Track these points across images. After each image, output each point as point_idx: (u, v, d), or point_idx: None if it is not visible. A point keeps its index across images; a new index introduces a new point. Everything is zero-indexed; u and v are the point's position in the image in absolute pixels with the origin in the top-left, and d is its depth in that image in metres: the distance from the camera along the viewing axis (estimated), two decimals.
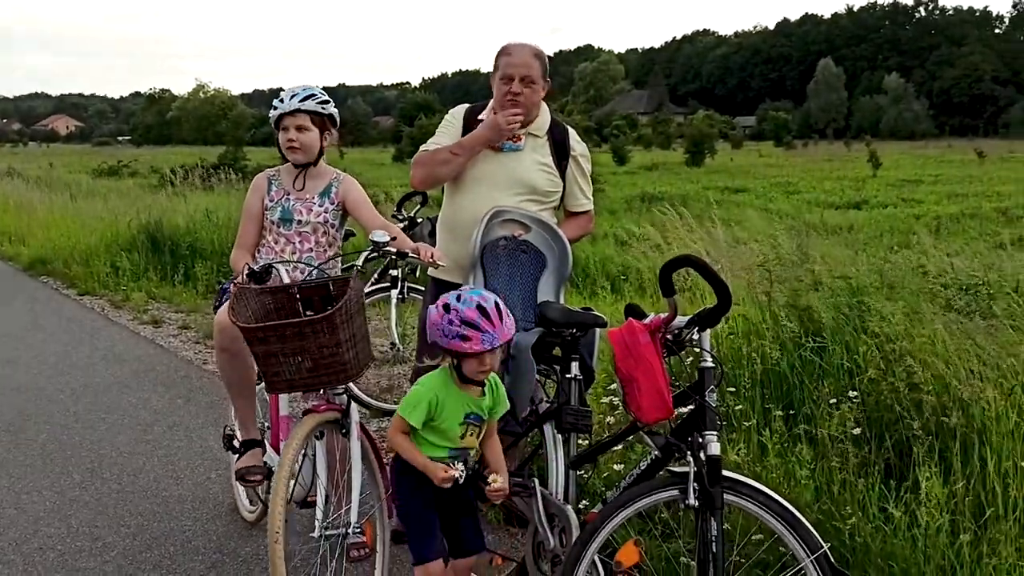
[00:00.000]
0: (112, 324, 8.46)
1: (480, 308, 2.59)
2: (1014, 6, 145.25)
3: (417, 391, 2.73)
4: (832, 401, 3.77)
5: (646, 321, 2.69)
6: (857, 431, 3.54)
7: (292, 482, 2.94)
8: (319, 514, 2.93)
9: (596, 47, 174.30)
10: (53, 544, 3.83)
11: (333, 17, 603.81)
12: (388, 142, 74.32)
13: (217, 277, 9.88)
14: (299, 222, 3.63)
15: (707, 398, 2.58)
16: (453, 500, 2.83)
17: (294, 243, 3.63)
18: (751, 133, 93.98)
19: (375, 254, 3.21)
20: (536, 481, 3.04)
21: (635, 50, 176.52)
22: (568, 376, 3.10)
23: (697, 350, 2.66)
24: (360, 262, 3.20)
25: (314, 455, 3.08)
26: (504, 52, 3.63)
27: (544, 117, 3.73)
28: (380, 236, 3.18)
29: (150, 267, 10.58)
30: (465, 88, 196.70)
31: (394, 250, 3.21)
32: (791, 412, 3.94)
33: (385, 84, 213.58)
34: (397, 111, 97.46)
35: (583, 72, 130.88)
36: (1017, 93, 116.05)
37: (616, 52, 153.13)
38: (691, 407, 2.64)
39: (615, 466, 3.73)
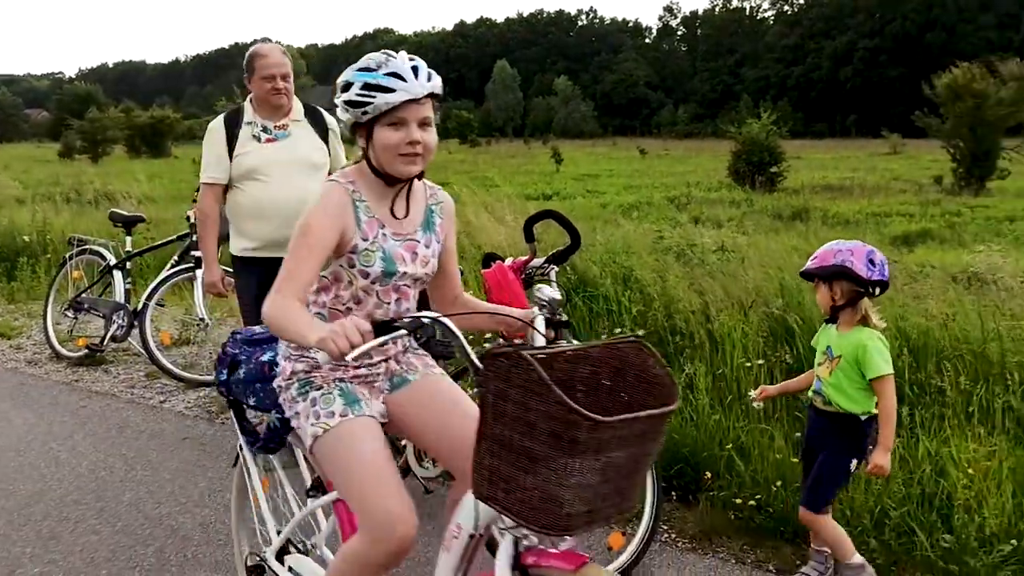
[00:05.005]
0: None
1: None
2: (659, 19, 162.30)
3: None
4: (603, 335, 4.91)
5: (509, 262, 3.57)
6: None
7: None
8: None
9: (274, 41, 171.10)
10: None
11: None
12: (44, 136, 68.87)
13: None
14: (401, 274, 2.35)
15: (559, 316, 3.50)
16: None
17: (386, 305, 2.37)
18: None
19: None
20: None
21: (315, 45, 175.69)
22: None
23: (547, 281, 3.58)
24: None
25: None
26: (258, 55, 4.29)
27: (298, 104, 4.43)
28: (553, 292, 3.08)
29: None
30: (130, 80, 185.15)
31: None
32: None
33: (34, 74, 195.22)
34: (54, 103, 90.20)
35: None
36: (666, 97, 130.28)
37: (296, 47, 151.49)
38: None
39: None
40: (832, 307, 3.09)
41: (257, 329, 2.67)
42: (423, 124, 2.24)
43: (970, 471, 3.40)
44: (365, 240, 2.28)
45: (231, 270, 4.47)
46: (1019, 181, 26.54)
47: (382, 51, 2.27)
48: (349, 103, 2.24)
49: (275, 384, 2.41)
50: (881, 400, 2.99)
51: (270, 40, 4.53)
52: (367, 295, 2.34)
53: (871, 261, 3.01)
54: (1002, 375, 4.05)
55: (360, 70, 2.25)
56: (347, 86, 2.26)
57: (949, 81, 27.53)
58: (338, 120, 2.33)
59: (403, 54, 2.26)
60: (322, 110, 4.49)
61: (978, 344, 4.31)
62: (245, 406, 2.63)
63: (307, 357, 2.33)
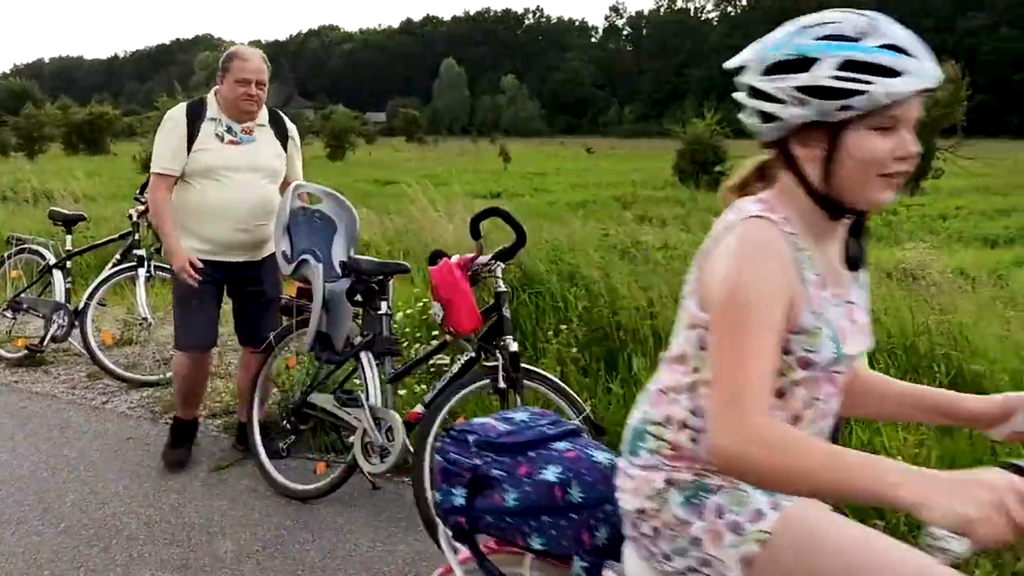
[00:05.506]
0: None
1: None
2: (606, 18, 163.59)
3: None
4: (550, 333, 4.98)
5: (456, 259, 3.62)
6: (575, 351, 4.76)
7: None
8: None
9: (216, 37, 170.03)
10: None
11: None
12: None
13: None
14: (844, 357, 1.57)
15: (504, 312, 3.56)
16: None
17: (817, 403, 1.57)
18: (381, 129, 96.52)
19: None
20: (363, 395, 3.84)
21: (259, 41, 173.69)
22: (379, 313, 3.93)
23: (494, 278, 3.64)
24: None
25: None
26: (237, 57, 4.24)
27: (264, 109, 4.39)
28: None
29: None
30: (67, 76, 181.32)
31: None
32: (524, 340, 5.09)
33: None
34: None
35: (204, 62, 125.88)
36: (612, 96, 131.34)
37: (239, 43, 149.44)
38: (492, 320, 3.61)
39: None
40: None
41: (501, 427, 1.83)
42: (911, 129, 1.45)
43: (900, 459, 3.53)
44: (813, 313, 1.48)
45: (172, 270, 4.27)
46: (952, 180, 27.30)
47: (845, 10, 1.43)
48: (811, 90, 1.39)
49: (629, 507, 1.57)
50: None
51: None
52: (795, 386, 1.52)
53: None
54: (930, 367, 4.20)
55: (826, 39, 1.39)
56: (803, 63, 1.40)
57: None
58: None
59: (881, 16, 1.41)
60: (285, 116, 4.47)
61: (908, 338, 4.46)
62: (522, 548, 1.72)
63: (696, 459, 1.54)
